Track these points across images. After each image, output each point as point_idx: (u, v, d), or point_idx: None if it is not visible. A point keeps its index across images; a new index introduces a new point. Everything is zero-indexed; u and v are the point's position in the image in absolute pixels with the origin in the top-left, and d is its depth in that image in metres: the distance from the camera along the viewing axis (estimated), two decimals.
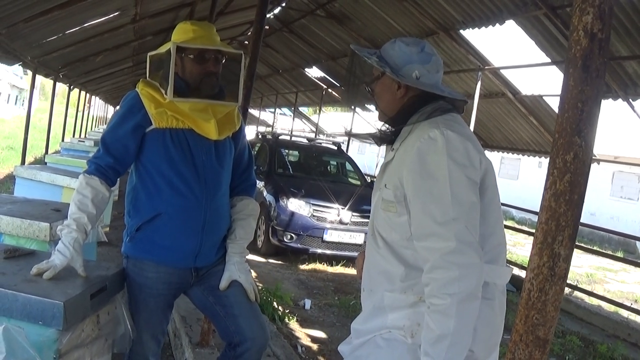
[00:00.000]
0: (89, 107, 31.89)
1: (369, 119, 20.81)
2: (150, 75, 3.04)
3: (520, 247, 15.80)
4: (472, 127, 9.52)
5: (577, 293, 9.75)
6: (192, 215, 2.89)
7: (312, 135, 22.01)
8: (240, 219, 3.15)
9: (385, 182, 2.28)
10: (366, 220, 10.19)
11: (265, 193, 10.52)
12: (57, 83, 15.17)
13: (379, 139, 2.44)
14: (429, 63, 2.30)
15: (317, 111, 23.47)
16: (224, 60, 3.00)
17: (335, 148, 13.02)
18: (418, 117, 2.25)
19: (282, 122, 36.61)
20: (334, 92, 19.71)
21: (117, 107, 3.18)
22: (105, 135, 2.95)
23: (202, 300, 3.11)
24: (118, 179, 3.02)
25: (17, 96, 54.81)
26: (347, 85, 2.75)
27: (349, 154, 15.05)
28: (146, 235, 2.92)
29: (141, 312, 2.96)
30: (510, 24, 8.95)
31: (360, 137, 2.53)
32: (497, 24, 9.13)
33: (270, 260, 9.96)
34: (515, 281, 9.13)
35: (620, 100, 8.74)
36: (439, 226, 2.01)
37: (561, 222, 1.22)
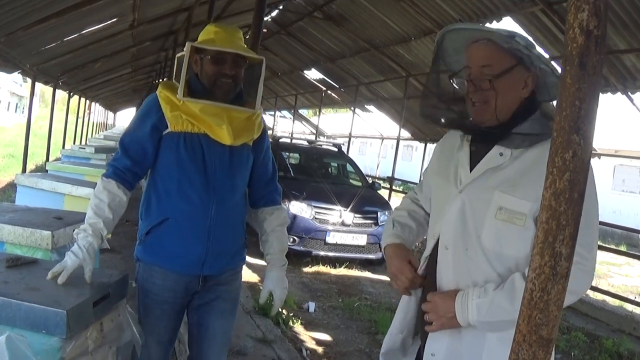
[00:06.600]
0: (89, 114, 31.91)
1: (369, 120, 20.83)
2: (176, 76, 2.98)
3: None
4: None
5: None
6: (197, 221, 2.86)
7: (313, 137, 22.02)
8: (276, 231, 3.13)
9: (505, 189, 2.03)
10: (368, 221, 10.19)
11: None
12: (57, 90, 15.19)
13: (473, 133, 2.20)
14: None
15: (317, 113, 23.45)
16: (244, 66, 2.93)
17: (336, 150, 13.01)
18: (531, 124, 2.06)
19: (282, 125, 36.64)
20: (333, 94, 19.73)
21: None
22: (124, 138, 2.92)
23: (189, 312, 3.12)
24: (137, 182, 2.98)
25: (17, 104, 54.88)
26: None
27: (350, 155, 15.06)
28: (155, 240, 2.90)
29: (147, 317, 2.96)
30: (508, 20, 8.99)
31: (461, 127, 2.12)
32: (495, 21, 9.15)
33: None
34: None
35: (619, 93, 8.75)
36: (579, 256, 1.80)
37: (562, 221, 1.22)
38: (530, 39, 7.71)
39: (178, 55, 3.05)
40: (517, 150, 2.05)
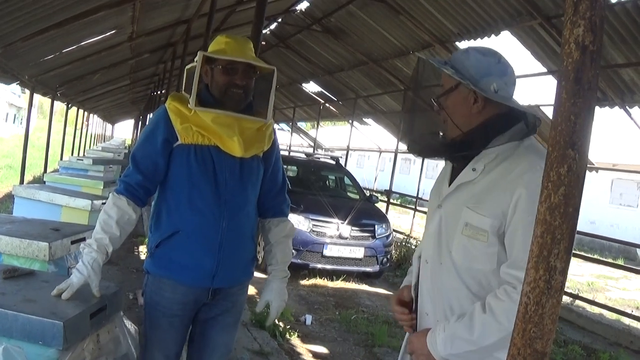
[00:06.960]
0: (87, 125, 31.94)
1: (367, 133, 20.86)
2: (185, 88, 2.97)
3: None
4: None
5: (578, 302, 9.72)
6: (208, 234, 2.83)
7: (311, 150, 22.02)
8: (280, 243, 3.13)
9: (471, 205, 2.05)
10: (365, 234, 10.18)
11: None
12: (55, 101, 15.20)
13: (448, 154, 2.25)
14: (507, 75, 2.11)
15: (315, 126, 23.48)
16: (254, 76, 2.94)
17: (334, 162, 13.00)
18: (508, 139, 2.07)
19: (280, 138, 36.61)
20: (331, 107, 19.75)
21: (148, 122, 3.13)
22: (135, 153, 2.90)
23: (193, 323, 3.08)
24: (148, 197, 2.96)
25: (15, 115, 54.87)
26: (410, 104, 2.53)
27: (348, 168, 15.07)
28: (165, 253, 2.87)
29: (155, 330, 2.93)
30: (506, 34, 9.01)
31: (418, 152, 2.40)
32: (493, 35, 9.20)
33: None
34: None
35: (617, 107, 8.77)
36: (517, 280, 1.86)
37: (556, 235, 1.22)
38: (528, 52, 7.65)
39: (188, 66, 3.03)
40: (490, 164, 2.07)
